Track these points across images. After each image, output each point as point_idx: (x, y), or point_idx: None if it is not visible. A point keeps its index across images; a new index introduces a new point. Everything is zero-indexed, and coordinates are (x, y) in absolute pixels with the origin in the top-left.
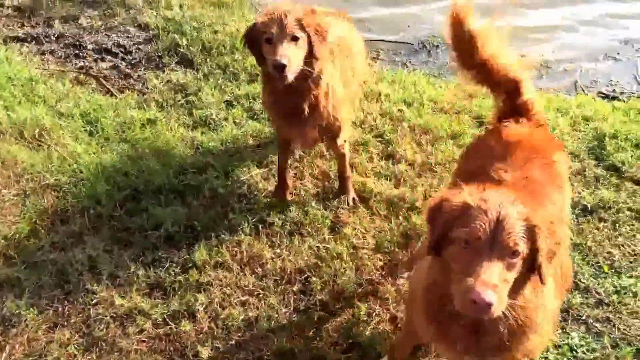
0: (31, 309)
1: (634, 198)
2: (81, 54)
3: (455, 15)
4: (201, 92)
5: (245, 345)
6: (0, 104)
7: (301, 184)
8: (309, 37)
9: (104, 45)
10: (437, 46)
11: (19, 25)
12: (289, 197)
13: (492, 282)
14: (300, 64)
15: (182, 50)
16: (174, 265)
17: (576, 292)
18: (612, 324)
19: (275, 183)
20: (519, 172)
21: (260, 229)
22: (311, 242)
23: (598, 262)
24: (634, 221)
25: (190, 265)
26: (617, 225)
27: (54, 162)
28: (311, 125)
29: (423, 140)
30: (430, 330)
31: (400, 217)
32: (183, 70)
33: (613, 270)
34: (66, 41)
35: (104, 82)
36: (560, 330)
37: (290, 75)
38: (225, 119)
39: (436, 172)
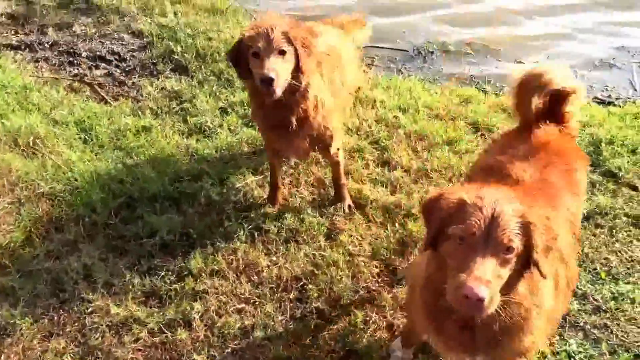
0: (26, 318)
1: (630, 204)
2: (75, 62)
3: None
4: (196, 99)
5: (241, 354)
6: None
7: (297, 191)
8: (296, 50)
9: (98, 53)
10: (432, 52)
11: (13, 32)
12: (280, 202)
13: (485, 278)
14: (288, 77)
15: (176, 57)
16: (170, 273)
17: (574, 298)
18: (609, 331)
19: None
20: (539, 173)
21: (256, 236)
22: (307, 250)
23: (595, 269)
24: (631, 227)
25: (185, 273)
26: (614, 231)
27: (49, 170)
28: (301, 137)
29: (419, 147)
30: (425, 324)
31: (397, 224)
32: (177, 77)
33: (610, 277)
34: (60, 48)
35: (99, 90)
36: (557, 337)
37: (279, 89)
38: (220, 126)
39: (432, 178)
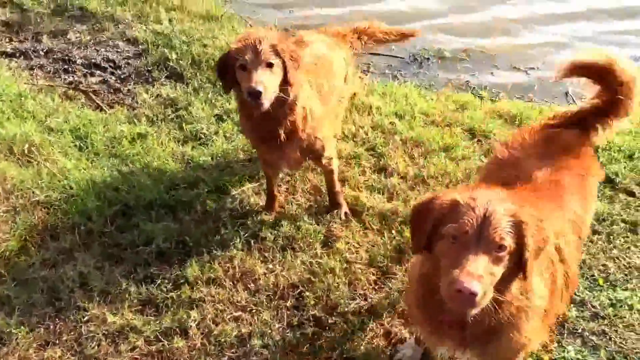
0: (22, 327)
1: (628, 210)
2: (70, 69)
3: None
4: (191, 106)
5: None
6: None
7: (293, 198)
8: (283, 63)
9: (93, 60)
10: (428, 59)
11: (7, 40)
12: (277, 210)
13: (477, 274)
14: (276, 90)
15: (171, 64)
16: (166, 281)
17: (572, 305)
18: (608, 337)
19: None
20: (552, 174)
21: (253, 244)
22: (304, 257)
23: (593, 275)
24: (628, 233)
25: (182, 281)
26: (611, 237)
27: (44, 178)
28: (291, 148)
29: (415, 153)
30: (419, 320)
31: (393, 231)
32: (173, 84)
33: (608, 283)
34: (55, 56)
35: (94, 97)
36: (556, 344)
37: (266, 102)
38: (216, 133)
39: (429, 185)
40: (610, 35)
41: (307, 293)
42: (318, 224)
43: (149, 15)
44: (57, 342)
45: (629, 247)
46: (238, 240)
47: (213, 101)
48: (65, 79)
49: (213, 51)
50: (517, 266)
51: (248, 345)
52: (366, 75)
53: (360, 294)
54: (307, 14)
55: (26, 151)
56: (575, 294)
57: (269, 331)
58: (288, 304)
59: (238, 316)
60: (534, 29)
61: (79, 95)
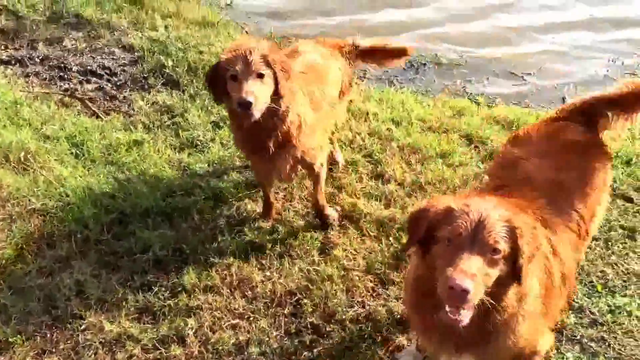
0: (18, 335)
1: (625, 216)
2: (66, 76)
3: None
4: (187, 113)
5: None
6: None
7: (290, 205)
8: (275, 73)
9: (88, 67)
10: (425, 64)
11: (3, 47)
12: (274, 217)
13: (470, 272)
14: (267, 101)
15: (167, 71)
16: (163, 289)
17: (570, 311)
18: (607, 344)
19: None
20: (553, 174)
21: (250, 251)
22: (301, 264)
23: (591, 282)
24: (626, 239)
25: (179, 289)
26: (609, 243)
27: (40, 186)
28: (283, 159)
29: (412, 160)
30: (416, 323)
31: (391, 238)
32: (169, 91)
33: (607, 290)
34: (51, 63)
35: (90, 104)
36: (555, 351)
37: (257, 112)
38: (212, 140)
39: (426, 191)
40: (606, 44)
41: (305, 300)
42: (315, 231)
43: (145, 22)
44: (54, 350)
45: (627, 254)
46: (235, 247)
47: (209, 108)
48: (61, 86)
49: (209, 58)
50: (512, 272)
51: (246, 353)
52: (362, 81)
53: (358, 301)
54: (304, 23)
55: (22, 159)
56: (574, 301)
57: (267, 339)
58: (286, 311)
59: (235, 324)
60: (532, 37)
61: (74, 102)
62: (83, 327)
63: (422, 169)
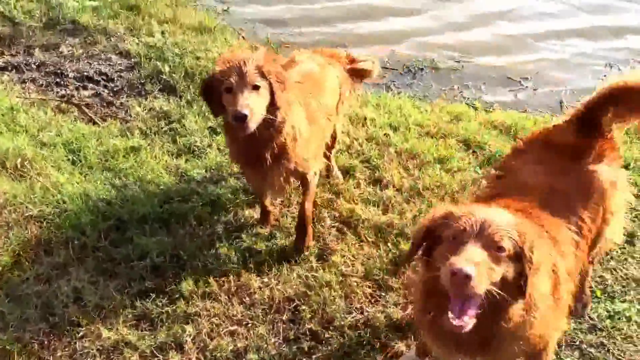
0: (16, 343)
1: (624, 221)
2: (62, 82)
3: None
4: (185, 119)
5: None
6: None
7: (288, 210)
8: (270, 84)
9: (85, 73)
10: (422, 69)
11: None
12: (272, 223)
13: (474, 260)
14: (263, 113)
15: (164, 77)
16: (161, 296)
17: (570, 317)
18: (606, 349)
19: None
20: (548, 179)
21: (248, 257)
22: (299, 271)
23: (591, 287)
24: (625, 245)
25: (177, 295)
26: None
27: (37, 193)
28: (277, 172)
29: (410, 165)
30: (424, 326)
31: (389, 244)
32: (166, 97)
33: (606, 295)
34: (47, 69)
35: (86, 111)
36: (554, 357)
37: (252, 125)
38: (209, 146)
39: (424, 197)
40: (612, 52)
41: (303, 307)
42: (313, 237)
43: (141, 28)
44: (52, 358)
45: (626, 259)
46: (233, 253)
47: (206, 114)
48: (57, 92)
49: (206, 63)
50: (517, 279)
51: None
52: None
53: (356, 307)
54: (301, 31)
55: (19, 165)
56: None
57: (265, 345)
58: (284, 317)
59: (234, 330)
60: (531, 44)
61: (71, 108)
62: (81, 334)
63: (420, 175)
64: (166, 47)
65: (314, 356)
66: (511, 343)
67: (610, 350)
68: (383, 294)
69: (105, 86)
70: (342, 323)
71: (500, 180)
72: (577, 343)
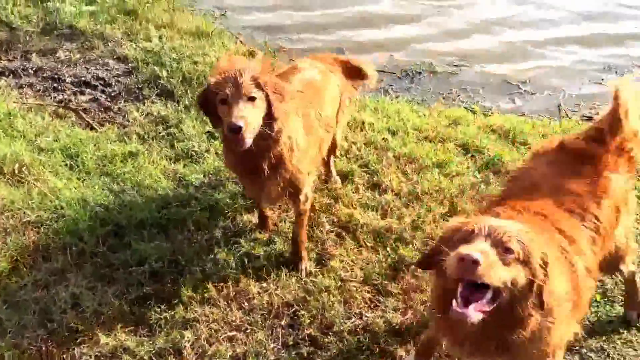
0: (13, 349)
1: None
2: (60, 87)
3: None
4: (182, 124)
5: None
6: None
7: (287, 215)
8: (267, 95)
9: (83, 78)
10: (420, 73)
11: None
12: (270, 228)
13: (481, 250)
14: (259, 124)
15: (162, 82)
16: (159, 301)
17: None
18: (606, 354)
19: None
20: (560, 180)
21: (246, 262)
22: (298, 276)
23: None
24: None
25: (175, 301)
26: None
27: (35, 199)
28: (273, 182)
29: (408, 170)
30: (443, 329)
31: (388, 249)
32: (163, 102)
33: (606, 299)
34: (44, 74)
35: (84, 116)
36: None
37: (248, 138)
38: (207, 151)
39: (423, 201)
40: (612, 59)
41: (302, 312)
42: (311, 242)
43: (139, 32)
44: None
45: None
46: (232, 259)
47: (204, 118)
48: (55, 97)
49: (204, 68)
50: (528, 288)
51: None
52: (356, 89)
53: (355, 312)
54: (299, 38)
55: (16, 171)
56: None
57: (264, 351)
58: (283, 323)
59: (232, 336)
60: (531, 51)
61: (69, 113)
62: (79, 340)
63: (418, 179)
64: (164, 51)
65: None
66: (529, 347)
67: (610, 355)
68: (382, 299)
69: (102, 91)
70: (342, 328)
71: (513, 183)
72: (577, 347)
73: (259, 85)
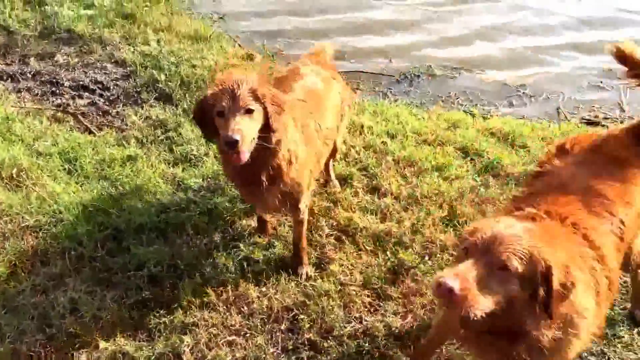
0: (12, 355)
1: None
2: (58, 91)
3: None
4: (181, 127)
5: None
6: None
7: (286, 219)
8: (265, 108)
9: (81, 82)
10: (419, 76)
11: None
12: (270, 232)
13: (463, 276)
14: (256, 137)
15: (160, 85)
16: (159, 306)
17: None
18: (607, 358)
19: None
20: (590, 181)
21: (246, 266)
22: (298, 280)
23: None
24: None
25: (175, 305)
26: None
27: (33, 203)
28: (272, 194)
29: (408, 173)
30: (462, 335)
31: (388, 253)
32: (162, 106)
33: None
34: (42, 78)
35: (82, 120)
36: None
37: (246, 154)
38: (206, 155)
39: (422, 205)
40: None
41: (302, 316)
42: (311, 246)
43: (137, 36)
44: None
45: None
46: (231, 263)
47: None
48: (53, 101)
49: (202, 71)
50: (533, 299)
51: None
52: (355, 93)
53: (355, 316)
54: (298, 43)
55: (14, 175)
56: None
57: (264, 355)
58: (282, 327)
59: (232, 340)
60: (531, 57)
61: (67, 117)
62: (78, 345)
63: (417, 182)
64: (162, 55)
65: None
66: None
67: (611, 358)
68: (382, 303)
69: (101, 95)
70: (341, 332)
71: (539, 180)
72: None
73: (257, 98)
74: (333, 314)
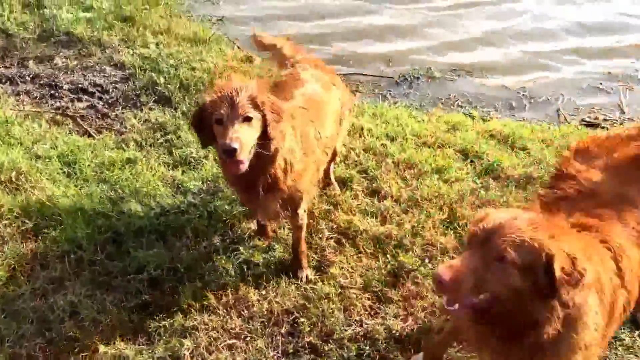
0: (12, 359)
1: None
2: (57, 94)
3: None
4: (180, 130)
5: None
6: None
7: (285, 222)
8: (264, 116)
9: (80, 85)
10: (418, 78)
11: None
12: (270, 235)
13: (457, 267)
14: (253, 145)
15: (159, 88)
16: (158, 309)
17: None
18: None
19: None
20: (619, 188)
21: (245, 269)
22: (298, 283)
23: None
24: None
25: (174, 309)
26: None
27: (32, 206)
28: (271, 200)
29: (408, 175)
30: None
31: (388, 255)
32: (161, 108)
33: None
34: (41, 81)
35: (81, 123)
36: None
37: (244, 163)
38: (206, 157)
39: (422, 207)
40: (614, 68)
41: (302, 319)
42: (311, 249)
43: (136, 39)
44: None
45: None
46: (231, 266)
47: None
48: (52, 104)
49: (201, 74)
50: (535, 289)
51: None
52: (354, 95)
53: (355, 319)
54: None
55: (13, 178)
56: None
57: (264, 359)
58: (283, 330)
59: (232, 344)
60: (530, 60)
61: (66, 120)
62: (77, 349)
63: (417, 185)
64: (161, 58)
65: None
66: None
67: None
68: (382, 306)
69: (100, 98)
70: (342, 336)
71: (564, 183)
72: None
73: (256, 105)
74: (333, 317)
